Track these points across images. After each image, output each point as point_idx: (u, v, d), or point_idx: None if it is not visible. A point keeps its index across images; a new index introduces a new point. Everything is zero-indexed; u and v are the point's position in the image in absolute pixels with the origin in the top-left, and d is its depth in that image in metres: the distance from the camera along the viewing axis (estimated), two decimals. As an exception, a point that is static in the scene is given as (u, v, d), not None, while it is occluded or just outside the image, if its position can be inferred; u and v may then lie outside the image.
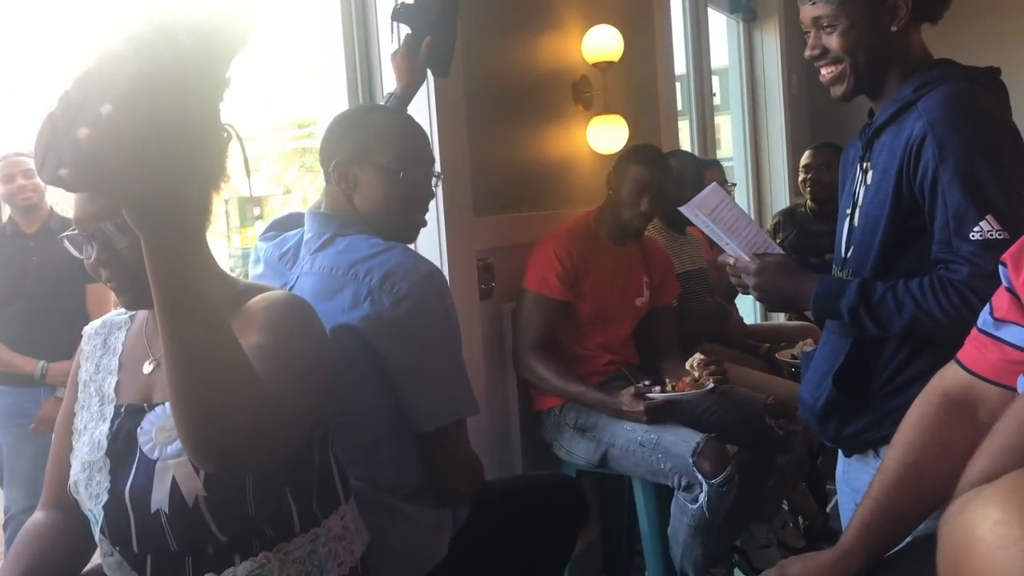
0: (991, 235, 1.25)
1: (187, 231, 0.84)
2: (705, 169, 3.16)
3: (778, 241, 3.72)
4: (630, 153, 2.46)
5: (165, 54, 0.80)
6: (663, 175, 2.41)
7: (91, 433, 1.20)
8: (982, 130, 1.30)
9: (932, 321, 1.29)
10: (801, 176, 3.68)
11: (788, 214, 3.91)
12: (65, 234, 1.14)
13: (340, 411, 1.32)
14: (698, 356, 2.23)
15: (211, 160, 0.92)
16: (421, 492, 1.47)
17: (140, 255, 1.04)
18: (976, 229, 1.26)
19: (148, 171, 0.78)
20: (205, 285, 0.87)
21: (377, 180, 1.50)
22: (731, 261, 1.50)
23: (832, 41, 1.41)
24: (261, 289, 1.19)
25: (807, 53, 1.47)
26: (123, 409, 1.19)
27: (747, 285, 1.48)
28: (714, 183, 1.55)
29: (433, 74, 1.84)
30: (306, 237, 1.52)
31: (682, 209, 1.53)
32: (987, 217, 1.26)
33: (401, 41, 1.81)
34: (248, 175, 1.05)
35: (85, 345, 1.32)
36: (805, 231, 3.71)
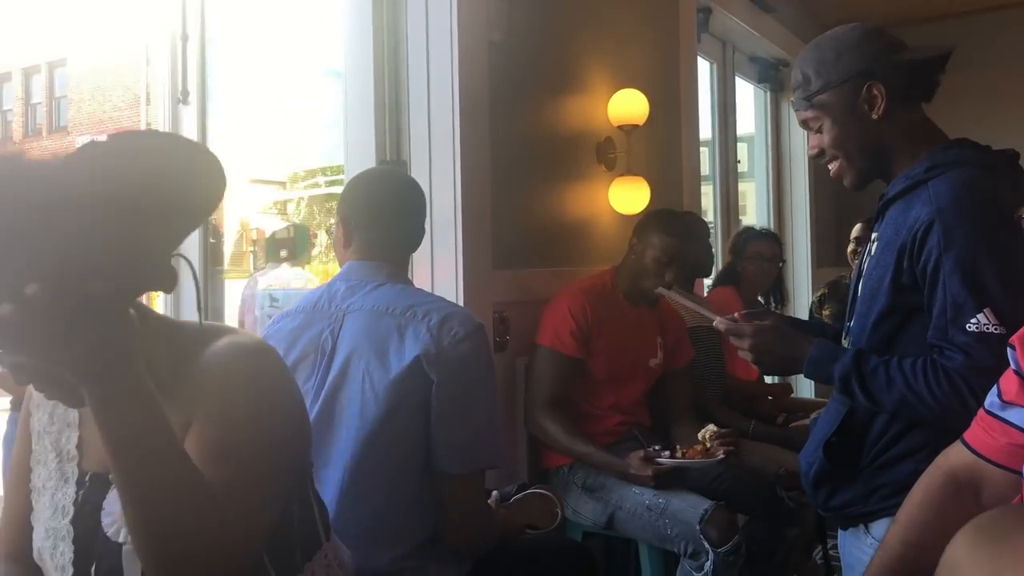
0: (987, 328, 1.25)
1: (129, 374, 0.81)
2: (758, 241, 3.23)
3: (825, 314, 3.75)
4: (658, 220, 2.40)
5: (114, 231, 0.75)
6: (689, 246, 2.39)
7: (52, 494, 1.08)
8: (989, 222, 1.30)
9: (920, 403, 1.29)
10: (851, 247, 3.67)
11: (833, 286, 3.92)
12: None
13: (385, 450, 1.41)
14: (711, 428, 2.21)
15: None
16: (430, 543, 1.48)
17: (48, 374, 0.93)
18: (973, 321, 1.26)
19: (81, 343, 0.75)
20: (155, 419, 0.84)
21: None
22: (722, 327, 1.51)
23: (823, 140, 1.47)
24: (217, 333, 1.06)
25: (809, 153, 1.53)
26: (88, 478, 1.07)
27: (742, 348, 1.48)
28: None
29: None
30: (349, 284, 1.59)
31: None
32: (985, 310, 1.26)
33: None
34: (201, 312, 1.02)
35: (35, 391, 1.14)
36: (845, 304, 3.71)
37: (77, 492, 1.06)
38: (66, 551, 1.04)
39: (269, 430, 1.00)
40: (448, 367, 1.44)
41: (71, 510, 1.05)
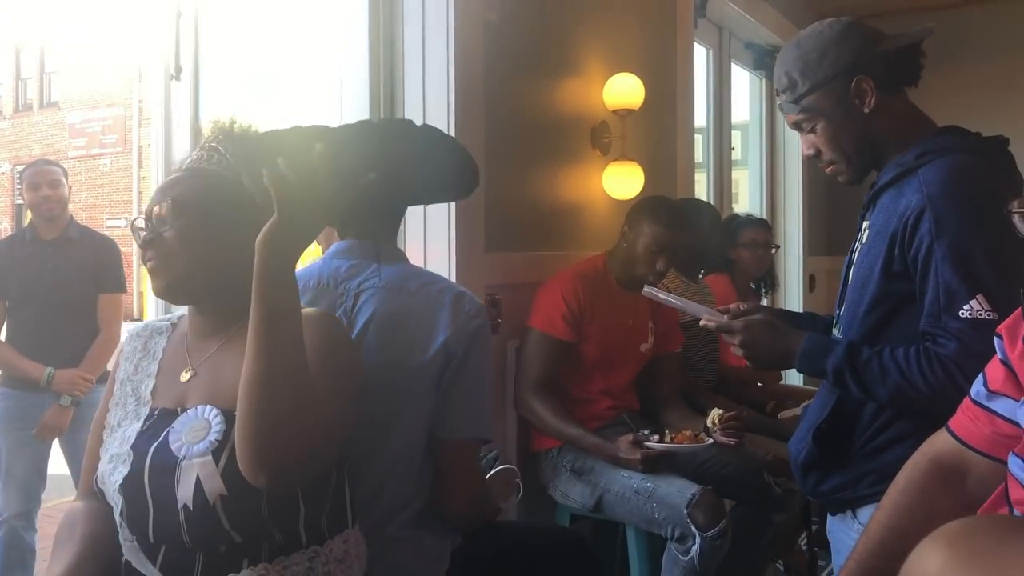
0: (980, 314, 1.26)
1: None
2: (752, 228, 3.22)
3: None
4: (649, 209, 2.39)
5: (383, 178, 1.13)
6: (681, 235, 2.38)
7: (124, 430, 1.25)
8: (981, 209, 1.30)
9: (915, 392, 1.30)
10: None
11: None
12: (135, 218, 1.23)
13: (403, 420, 1.46)
14: (718, 411, 2.22)
15: None
16: (426, 513, 1.50)
17: (182, 245, 1.20)
18: (966, 307, 1.27)
19: (325, 204, 1.06)
20: (298, 304, 1.08)
21: None
22: (712, 325, 1.50)
23: (817, 140, 1.46)
24: None
25: (803, 153, 1.53)
26: (156, 412, 1.24)
27: (733, 344, 1.48)
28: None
29: None
30: (351, 262, 1.57)
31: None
32: (977, 296, 1.26)
33: None
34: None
35: (127, 345, 1.36)
36: None
37: (143, 424, 1.24)
38: (123, 471, 1.19)
39: (342, 365, 1.20)
40: (464, 341, 1.48)
41: (133, 438, 1.22)
